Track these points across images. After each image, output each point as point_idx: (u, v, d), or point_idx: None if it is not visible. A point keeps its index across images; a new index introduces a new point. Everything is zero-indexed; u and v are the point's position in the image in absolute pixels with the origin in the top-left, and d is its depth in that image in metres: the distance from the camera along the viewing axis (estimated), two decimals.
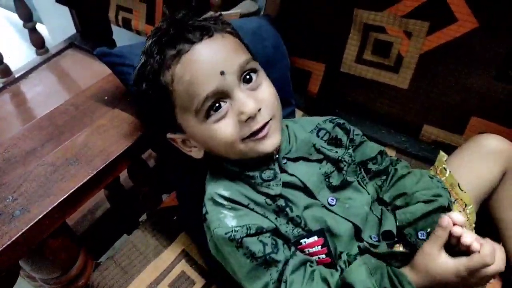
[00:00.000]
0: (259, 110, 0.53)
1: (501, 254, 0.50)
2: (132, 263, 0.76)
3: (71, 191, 0.60)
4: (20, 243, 0.55)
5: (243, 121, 0.52)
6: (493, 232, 0.69)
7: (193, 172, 0.68)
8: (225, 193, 0.55)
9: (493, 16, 0.74)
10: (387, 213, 0.63)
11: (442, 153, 0.73)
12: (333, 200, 0.60)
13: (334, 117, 0.68)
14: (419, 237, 0.57)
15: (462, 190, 0.67)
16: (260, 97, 0.54)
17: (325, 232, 0.57)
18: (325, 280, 0.52)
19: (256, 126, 0.53)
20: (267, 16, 0.91)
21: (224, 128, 0.53)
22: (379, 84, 0.90)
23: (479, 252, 0.48)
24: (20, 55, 1.90)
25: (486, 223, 0.69)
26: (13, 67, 1.35)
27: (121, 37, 1.44)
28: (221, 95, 0.52)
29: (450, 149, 0.76)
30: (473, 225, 0.67)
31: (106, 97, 0.79)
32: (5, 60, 1.32)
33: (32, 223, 0.56)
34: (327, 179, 0.61)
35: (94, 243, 0.99)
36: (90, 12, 1.40)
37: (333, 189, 0.61)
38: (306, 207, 0.58)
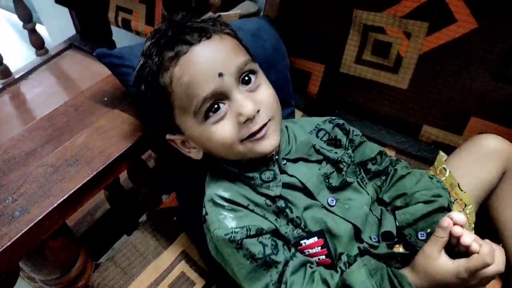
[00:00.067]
0: (258, 111, 0.52)
1: (501, 255, 0.50)
2: (132, 264, 0.76)
3: (71, 192, 0.60)
4: (20, 244, 0.55)
5: (241, 123, 0.52)
6: (492, 232, 0.69)
7: (192, 173, 0.68)
8: (225, 194, 0.55)
9: (492, 17, 0.74)
10: (387, 213, 0.63)
11: (441, 153, 0.74)
12: (332, 201, 0.60)
13: (334, 118, 0.68)
14: (419, 237, 0.57)
15: (461, 190, 0.67)
16: (259, 99, 0.54)
17: (325, 233, 0.57)
18: (325, 282, 0.52)
19: (254, 127, 0.52)
20: (267, 16, 0.91)
21: (223, 130, 0.53)
22: (379, 84, 0.90)
23: (478, 252, 0.48)
24: (19, 56, 1.90)
25: (485, 223, 0.69)
26: (12, 68, 1.35)
27: (121, 38, 1.44)
28: (219, 97, 0.52)
29: (449, 149, 0.76)
30: (473, 225, 0.67)
31: (105, 98, 0.79)
32: (5, 61, 1.32)
33: (32, 224, 0.56)
34: (326, 180, 0.61)
35: (94, 244, 0.99)
36: (90, 13, 1.40)
37: (333, 189, 0.61)
38: (306, 208, 0.58)
